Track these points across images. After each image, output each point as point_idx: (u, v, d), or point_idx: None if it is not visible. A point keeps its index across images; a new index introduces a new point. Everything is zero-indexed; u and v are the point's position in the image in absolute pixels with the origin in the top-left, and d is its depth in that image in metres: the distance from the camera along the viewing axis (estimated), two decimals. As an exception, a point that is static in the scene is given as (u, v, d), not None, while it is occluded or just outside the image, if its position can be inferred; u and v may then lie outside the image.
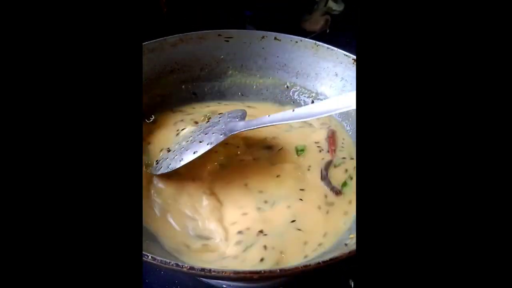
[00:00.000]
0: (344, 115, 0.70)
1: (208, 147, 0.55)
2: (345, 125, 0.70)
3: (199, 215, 0.54)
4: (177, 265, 0.38)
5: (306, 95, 0.74)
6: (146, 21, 0.79)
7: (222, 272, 0.38)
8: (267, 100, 0.75)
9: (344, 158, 0.64)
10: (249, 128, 0.57)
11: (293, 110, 0.54)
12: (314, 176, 0.61)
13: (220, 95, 0.74)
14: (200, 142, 0.56)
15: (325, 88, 0.72)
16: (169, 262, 0.38)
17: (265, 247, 0.50)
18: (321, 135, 0.67)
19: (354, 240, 0.49)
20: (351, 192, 0.59)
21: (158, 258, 0.38)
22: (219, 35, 0.71)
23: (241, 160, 0.62)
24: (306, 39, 0.71)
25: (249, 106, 0.73)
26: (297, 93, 0.74)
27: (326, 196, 0.58)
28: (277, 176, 0.60)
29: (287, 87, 0.75)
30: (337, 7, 1.10)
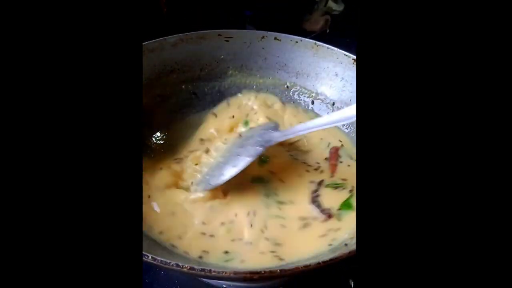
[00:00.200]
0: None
1: (249, 160, 0.54)
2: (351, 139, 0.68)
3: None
4: (177, 265, 0.38)
5: (306, 95, 0.74)
6: (146, 21, 0.79)
7: (222, 272, 0.38)
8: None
9: (344, 179, 0.61)
10: (285, 137, 0.56)
11: (328, 114, 0.54)
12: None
13: (220, 95, 0.74)
14: (238, 155, 0.56)
15: (325, 88, 0.72)
16: (169, 263, 0.38)
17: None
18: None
19: (354, 240, 0.49)
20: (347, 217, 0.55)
21: (158, 258, 0.38)
22: (219, 35, 0.71)
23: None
24: (306, 39, 0.71)
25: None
26: (297, 93, 0.74)
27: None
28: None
29: (287, 87, 0.75)
30: (337, 7, 1.10)
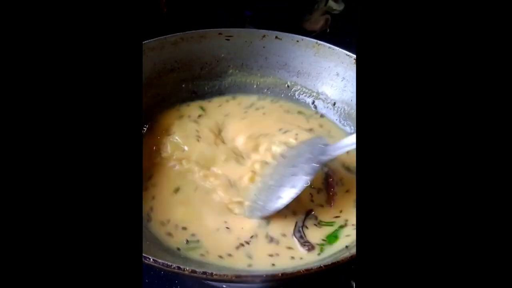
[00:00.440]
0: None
1: (307, 178, 0.52)
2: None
3: None
4: (179, 267, 0.38)
5: (307, 95, 0.73)
6: (146, 22, 0.79)
7: (224, 275, 0.38)
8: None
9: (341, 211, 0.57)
10: (340, 151, 0.53)
11: None
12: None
13: (221, 94, 0.74)
14: (293, 175, 0.54)
15: (326, 87, 0.72)
16: (171, 265, 0.38)
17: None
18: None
19: (355, 243, 0.48)
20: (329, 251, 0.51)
21: (159, 260, 0.38)
22: (219, 33, 0.71)
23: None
24: (307, 38, 0.71)
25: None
26: (298, 92, 0.74)
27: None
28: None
29: (288, 86, 0.74)
30: (337, 7, 1.10)
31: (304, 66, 0.72)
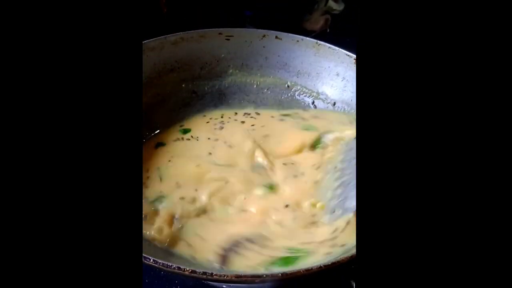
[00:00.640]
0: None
1: None
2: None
3: None
4: (179, 268, 0.38)
5: (307, 95, 0.73)
6: (146, 22, 0.79)
7: (224, 275, 0.38)
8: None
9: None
10: None
11: None
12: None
13: (220, 94, 0.74)
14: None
15: (326, 87, 0.72)
16: (171, 265, 0.38)
17: None
18: None
19: (354, 244, 0.48)
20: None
21: (159, 261, 0.38)
22: (219, 33, 0.70)
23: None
24: (307, 38, 0.71)
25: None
26: (298, 92, 0.74)
27: None
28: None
29: (288, 86, 0.74)
30: (337, 7, 1.10)
31: (304, 66, 0.72)
